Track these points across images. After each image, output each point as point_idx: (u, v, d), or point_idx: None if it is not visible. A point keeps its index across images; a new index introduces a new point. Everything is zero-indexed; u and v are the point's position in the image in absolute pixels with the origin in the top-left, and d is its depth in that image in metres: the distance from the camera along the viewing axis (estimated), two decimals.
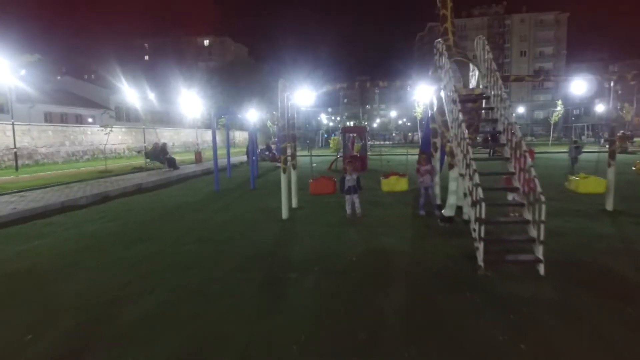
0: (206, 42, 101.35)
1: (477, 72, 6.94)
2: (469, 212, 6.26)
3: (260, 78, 66.75)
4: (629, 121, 42.32)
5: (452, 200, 6.36)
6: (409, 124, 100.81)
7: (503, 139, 5.51)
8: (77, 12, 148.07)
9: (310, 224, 6.97)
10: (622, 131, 29.43)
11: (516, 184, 4.98)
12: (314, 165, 19.88)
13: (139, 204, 9.30)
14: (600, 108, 52.82)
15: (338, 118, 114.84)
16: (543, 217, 4.24)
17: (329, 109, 78.89)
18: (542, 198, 4.23)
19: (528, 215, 4.64)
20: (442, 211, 6.50)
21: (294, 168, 8.35)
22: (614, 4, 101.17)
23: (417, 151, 29.17)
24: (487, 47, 6.35)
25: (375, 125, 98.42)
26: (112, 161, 24.08)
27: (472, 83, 6.97)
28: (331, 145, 31.01)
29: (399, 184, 7.13)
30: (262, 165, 19.81)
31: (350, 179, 7.20)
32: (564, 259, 4.73)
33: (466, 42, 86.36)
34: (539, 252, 4.31)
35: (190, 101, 34.64)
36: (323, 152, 30.86)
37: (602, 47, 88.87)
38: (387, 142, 53.23)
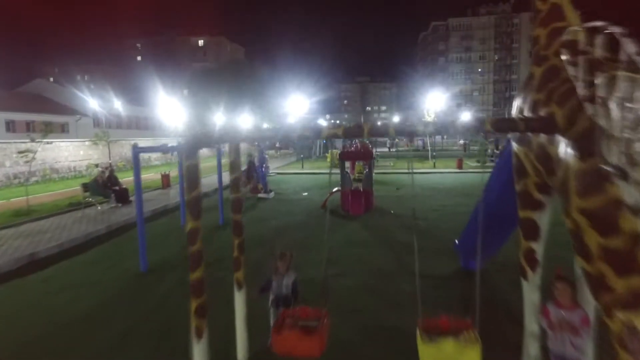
0: (201, 42, 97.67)
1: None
2: None
3: (254, 80, 62.79)
4: None
5: None
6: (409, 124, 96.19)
7: None
8: (67, 11, 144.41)
9: None
10: None
11: None
12: (305, 194, 15.88)
13: None
14: None
15: (337, 121, 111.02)
16: None
17: (327, 116, 75.28)
18: None
19: None
20: None
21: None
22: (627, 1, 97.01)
23: (427, 167, 24.33)
24: None
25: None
26: (63, 184, 20.05)
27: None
28: (328, 159, 27.06)
29: None
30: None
31: (279, 285, 4.02)
32: None
33: (472, 42, 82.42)
34: None
35: (170, 107, 30.61)
36: (319, 167, 26.86)
37: None
38: (392, 150, 48.42)
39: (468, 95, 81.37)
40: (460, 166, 23.60)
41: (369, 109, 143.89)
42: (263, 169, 15.09)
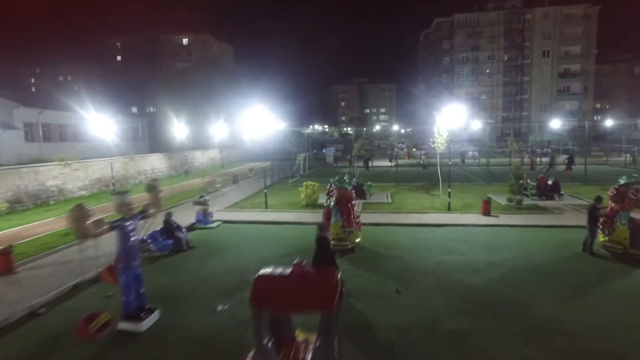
0: (185, 41, 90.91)
1: None
2: None
3: (236, 83, 55.67)
4: None
5: None
6: (409, 128, 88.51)
7: None
8: (49, 9, 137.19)
9: None
10: None
11: None
12: (220, 308, 8.42)
13: None
14: None
15: (332, 127, 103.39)
16: None
17: (313, 127, 67.89)
18: None
19: None
20: None
21: None
22: None
23: (438, 207, 14.98)
24: None
25: (374, 130, 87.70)
26: None
27: None
28: (302, 196, 19.73)
29: None
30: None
31: None
32: None
33: (479, 41, 74.89)
34: None
35: (98, 118, 23.13)
36: (291, 205, 19.51)
37: (633, 45, 77.48)
38: (390, 164, 40.35)
39: (475, 99, 73.99)
40: (487, 211, 16.28)
41: (367, 111, 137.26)
42: (137, 270, 7.61)
